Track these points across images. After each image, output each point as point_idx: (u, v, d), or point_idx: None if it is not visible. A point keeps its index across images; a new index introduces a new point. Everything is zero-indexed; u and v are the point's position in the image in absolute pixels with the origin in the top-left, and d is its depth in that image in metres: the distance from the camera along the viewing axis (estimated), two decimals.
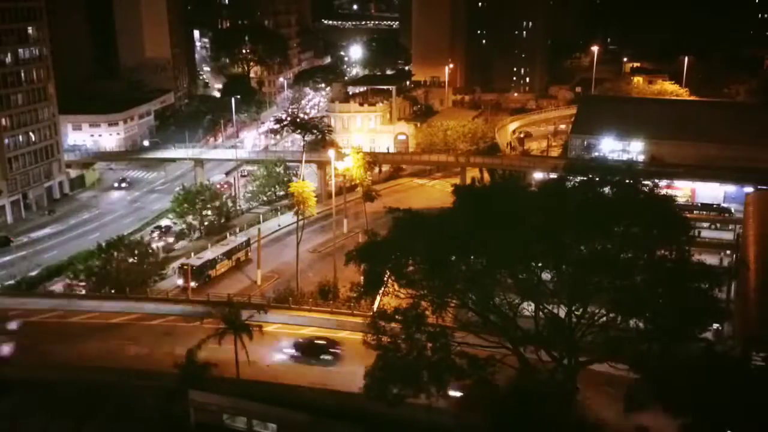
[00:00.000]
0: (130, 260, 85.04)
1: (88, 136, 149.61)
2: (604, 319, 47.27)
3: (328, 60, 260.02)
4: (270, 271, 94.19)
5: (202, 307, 67.46)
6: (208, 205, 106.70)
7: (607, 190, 49.02)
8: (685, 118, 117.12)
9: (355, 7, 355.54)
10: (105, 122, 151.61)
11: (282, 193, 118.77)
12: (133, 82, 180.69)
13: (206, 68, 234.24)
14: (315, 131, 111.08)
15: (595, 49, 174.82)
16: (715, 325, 59.03)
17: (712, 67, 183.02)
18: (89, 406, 65.04)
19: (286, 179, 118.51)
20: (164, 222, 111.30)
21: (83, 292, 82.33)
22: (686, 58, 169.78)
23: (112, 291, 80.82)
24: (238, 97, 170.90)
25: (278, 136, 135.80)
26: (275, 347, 62.32)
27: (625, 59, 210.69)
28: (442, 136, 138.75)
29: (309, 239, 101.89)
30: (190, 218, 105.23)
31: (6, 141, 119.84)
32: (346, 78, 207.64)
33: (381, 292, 51.65)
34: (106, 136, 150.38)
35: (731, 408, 39.45)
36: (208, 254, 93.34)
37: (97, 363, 61.46)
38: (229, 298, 70.97)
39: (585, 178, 50.38)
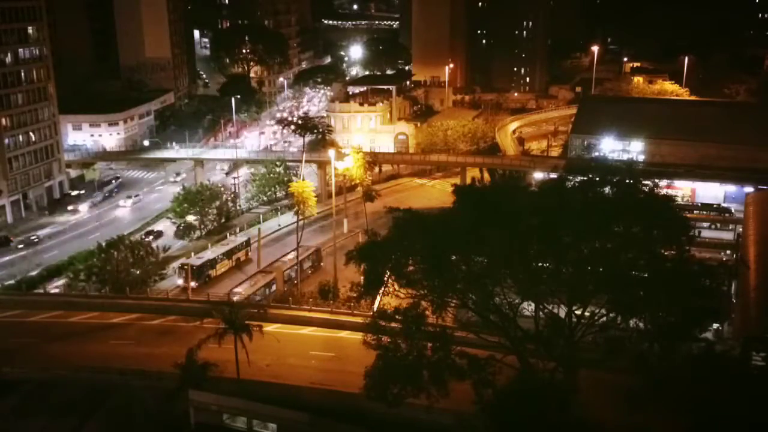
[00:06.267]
0: (131, 260, 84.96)
1: (88, 136, 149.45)
2: (604, 319, 47.30)
3: (328, 60, 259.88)
4: None
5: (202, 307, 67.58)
6: (209, 203, 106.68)
7: (607, 190, 49.05)
8: (685, 118, 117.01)
9: (355, 7, 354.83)
10: (105, 122, 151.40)
11: (282, 193, 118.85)
12: (133, 82, 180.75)
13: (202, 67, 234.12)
14: (315, 131, 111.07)
15: (595, 49, 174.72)
16: (715, 325, 59.07)
17: (712, 67, 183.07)
18: (89, 406, 65.12)
19: (286, 179, 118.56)
20: (157, 227, 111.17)
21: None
22: (686, 58, 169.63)
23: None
24: (238, 96, 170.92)
25: (283, 132, 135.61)
26: None
27: (625, 59, 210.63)
28: (442, 136, 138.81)
29: (309, 239, 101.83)
30: (190, 218, 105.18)
31: (6, 141, 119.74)
32: (346, 78, 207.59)
33: (381, 292, 51.63)
34: (106, 136, 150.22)
35: (731, 408, 39.44)
36: (208, 254, 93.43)
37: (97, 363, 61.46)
38: (229, 298, 70.97)
39: (585, 178, 50.40)
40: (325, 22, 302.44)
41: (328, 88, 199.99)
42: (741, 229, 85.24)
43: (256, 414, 57.33)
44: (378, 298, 54.98)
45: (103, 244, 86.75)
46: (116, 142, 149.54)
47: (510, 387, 44.07)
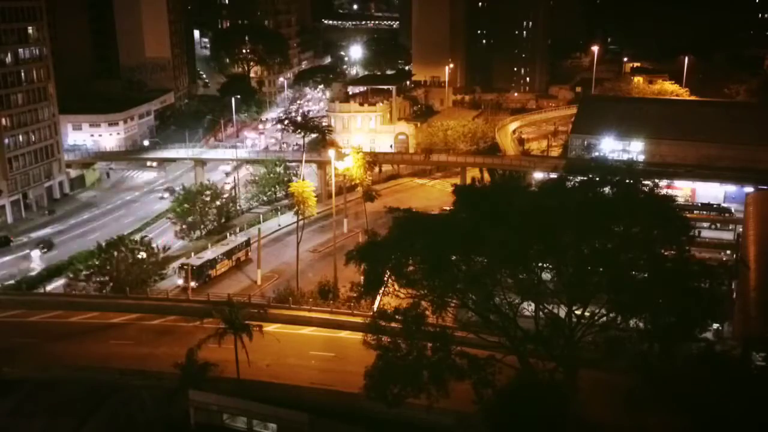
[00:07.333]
0: (130, 260, 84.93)
1: (88, 136, 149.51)
2: (604, 319, 47.26)
3: (328, 60, 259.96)
4: (270, 271, 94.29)
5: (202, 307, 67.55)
6: (209, 203, 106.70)
7: (607, 190, 49.01)
8: (685, 118, 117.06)
9: (355, 7, 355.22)
10: (105, 122, 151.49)
11: (282, 193, 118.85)
12: (133, 82, 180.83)
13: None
14: (315, 131, 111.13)
15: (595, 49, 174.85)
16: (715, 325, 59.01)
17: (712, 67, 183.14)
18: (89, 406, 65.11)
19: (286, 179, 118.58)
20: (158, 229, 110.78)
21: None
22: (686, 58, 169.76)
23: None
24: (238, 96, 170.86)
25: (284, 132, 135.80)
26: None
27: (625, 59, 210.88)
28: (442, 136, 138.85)
29: (309, 239, 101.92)
30: (190, 218, 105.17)
31: (6, 141, 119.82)
32: (346, 78, 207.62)
33: (381, 292, 51.59)
34: (106, 136, 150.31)
35: (731, 408, 39.44)
36: (208, 254, 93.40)
37: (97, 363, 61.46)
38: (229, 298, 70.90)
39: (585, 178, 50.37)
40: (325, 22, 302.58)
41: (329, 87, 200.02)
42: (741, 229, 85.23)
43: (256, 414, 57.30)
44: (378, 298, 54.92)
45: (103, 244, 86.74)
46: (116, 142, 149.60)
47: (510, 387, 44.07)
